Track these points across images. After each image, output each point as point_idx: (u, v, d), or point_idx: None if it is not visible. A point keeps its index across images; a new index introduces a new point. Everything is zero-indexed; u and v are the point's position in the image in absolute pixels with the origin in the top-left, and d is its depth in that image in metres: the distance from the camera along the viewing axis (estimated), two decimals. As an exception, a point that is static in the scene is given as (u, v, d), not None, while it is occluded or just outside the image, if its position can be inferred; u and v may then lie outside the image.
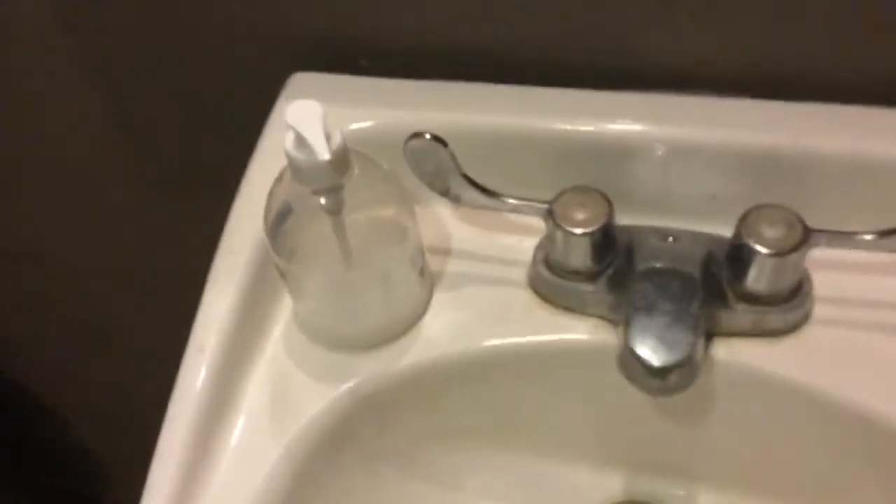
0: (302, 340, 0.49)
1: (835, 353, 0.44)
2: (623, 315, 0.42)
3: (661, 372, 0.37)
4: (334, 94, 0.50)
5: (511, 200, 0.44)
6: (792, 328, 0.45)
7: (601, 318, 0.47)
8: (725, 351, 0.44)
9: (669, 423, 0.50)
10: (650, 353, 0.37)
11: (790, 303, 0.44)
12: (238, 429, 0.46)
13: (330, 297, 0.47)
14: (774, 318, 0.44)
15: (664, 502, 0.54)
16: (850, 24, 0.46)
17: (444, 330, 0.48)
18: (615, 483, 0.55)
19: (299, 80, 0.54)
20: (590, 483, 0.55)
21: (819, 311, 0.46)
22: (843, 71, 0.47)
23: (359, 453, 0.49)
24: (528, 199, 0.44)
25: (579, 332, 0.47)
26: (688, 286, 0.42)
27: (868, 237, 0.41)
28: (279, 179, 0.42)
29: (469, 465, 0.54)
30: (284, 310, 0.50)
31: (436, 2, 0.50)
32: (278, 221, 0.42)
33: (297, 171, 0.39)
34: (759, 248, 0.41)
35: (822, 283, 0.45)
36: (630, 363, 0.38)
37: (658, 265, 0.43)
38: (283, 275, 0.46)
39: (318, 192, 0.40)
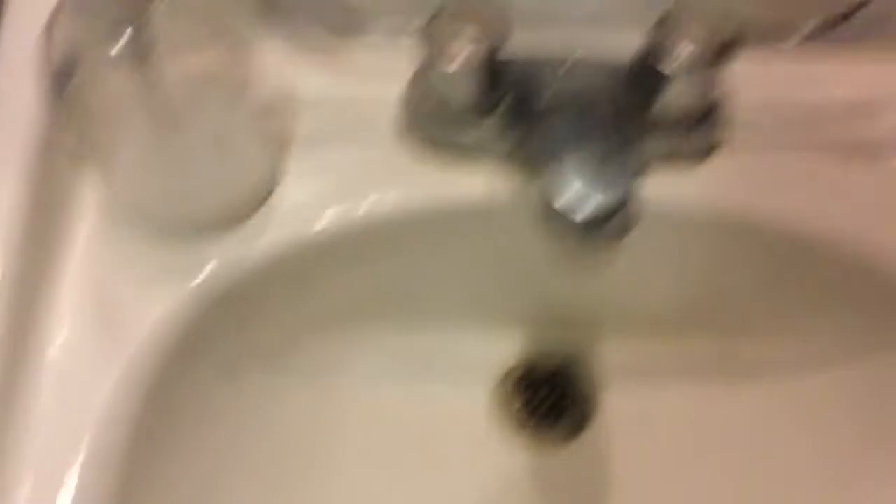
0: (123, 231, 0.38)
1: (758, 174, 0.39)
2: (526, 160, 0.34)
3: (595, 224, 0.30)
4: None
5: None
6: (710, 152, 0.39)
7: (496, 167, 0.39)
8: (651, 177, 0.38)
9: (574, 276, 0.44)
10: (577, 202, 0.30)
11: (705, 125, 0.38)
12: (59, 355, 0.37)
13: (150, 171, 0.37)
14: (692, 142, 0.38)
15: (570, 360, 0.50)
16: None
17: (304, 201, 0.39)
18: (515, 348, 0.50)
19: None
20: (487, 351, 0.49)
21: (740, 132, 0.40)
22: None
23: (217, 360, 0.41)
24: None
25: (471, 186, 0.39)
26: (598, 119, 0.34)
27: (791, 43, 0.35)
28: (56, 15, 0.30)
29: (351, 354, 0.47)
30: (93, 194, 0.39)
31: None
32: (63, 76, 0.31)
33: None
34: (669, 66, 0.34)
35: (744, 99, 0.39)
36: (551, 219, 0.31)
37: (558, 98, 0.36)
38: (82, 148, 0.35)
39: (113, 30, 0.29)
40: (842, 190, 0.39)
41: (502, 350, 0.50)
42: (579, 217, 0.30)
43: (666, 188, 0.38)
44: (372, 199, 0.39)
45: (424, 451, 0.47)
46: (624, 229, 0.32)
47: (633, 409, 0.48)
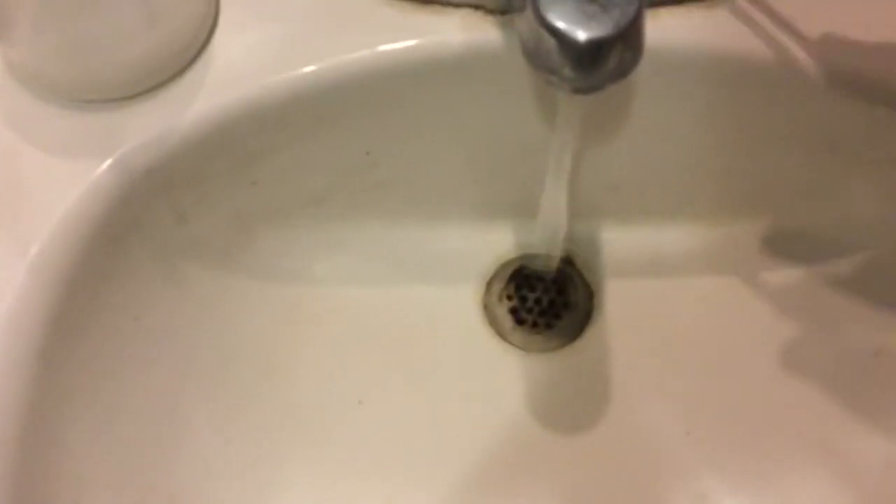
0: (26, 98, 0.31)
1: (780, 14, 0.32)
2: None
3: (598, 48, 0.23)
4: None
5: None
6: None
7: (474, 7, 0.32)
8: (651, 24, 0.31)
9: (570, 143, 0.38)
10: (580, 20, 0.23)
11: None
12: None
13: (54, 23, 0.29)
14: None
15: (568, 254, 0.43)
16: None
17: (247, 55, 0.32)
18: (503, 240, 0.43)
19: None
20: (473, 245, 0.43)
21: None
22: None
23: (153, 256, 0.34)
24: None
25: (446, 30, 0.32)
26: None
27: None
28: None
29: (315, 250, 0.40)
30: (-15, 57, 0.32)
31: None
32: None
33: None
34: None
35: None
36: (545, 47, 0.24)
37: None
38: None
39: None
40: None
41: (491, 244, 0.43)
42: (583, 36, 0.23)
43: (673, 31, 0.31)
44: (328, 50, 0.32)
45: (403, 360, 0.41)
46: (632, 61, 0.25)
47: (636, 308, 0.42)
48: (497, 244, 0.43)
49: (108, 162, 0.30)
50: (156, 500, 0.34)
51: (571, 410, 0.42)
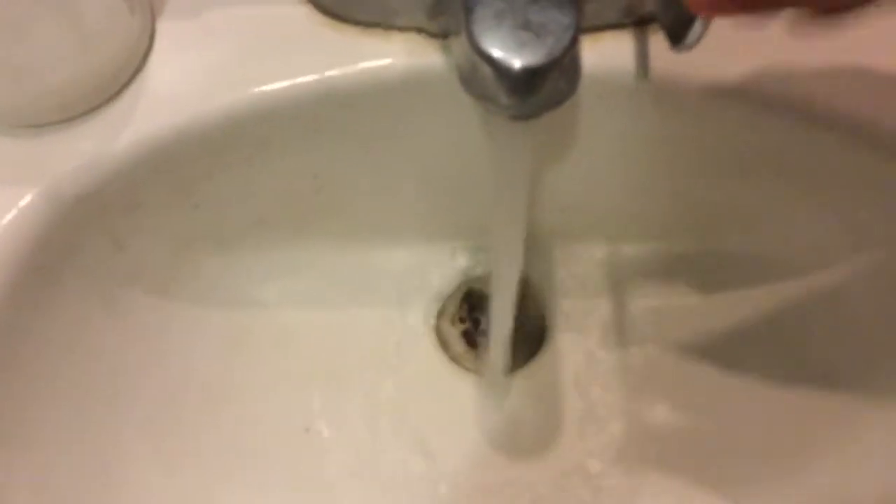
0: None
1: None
2: (449, 19, 0.27)
3: (532, 76, 0.23)
4: None
5: None
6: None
7: (417, 30, 0.31)
8: (592, 50, 0.30)
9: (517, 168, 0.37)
10: (514, 47, 0.23)
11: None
12: None
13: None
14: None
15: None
16: None
17: (184, 78, 0.31)
18: (455, 262, 0.43)
19: None
20: (424, 269, 0.42)
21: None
22: None
23: (90, 286, 0.33)
24: None
25: (389, 55, 0.31)
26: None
27: None
28: None
29: (260, 272, 0.40)
30: None
31: None
32: None
33: None
34: None
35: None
36: (480, 74, 0.23)
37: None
38: None
39: None
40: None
41: (443, 266, 0.43)
42: (517, 64, 0.23)
43: (627, 53, 0.30)
44: (269, 74, 0.31)
45: (352, 385, 0.41)
46: (571, 85, 0.25)
47: (590, 329, 0.42)
48: (448, 267, 0.43)
49: (37, 189, 0.29)
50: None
51: (526, 435, 0.41)
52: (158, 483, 0.35)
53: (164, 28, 0.31)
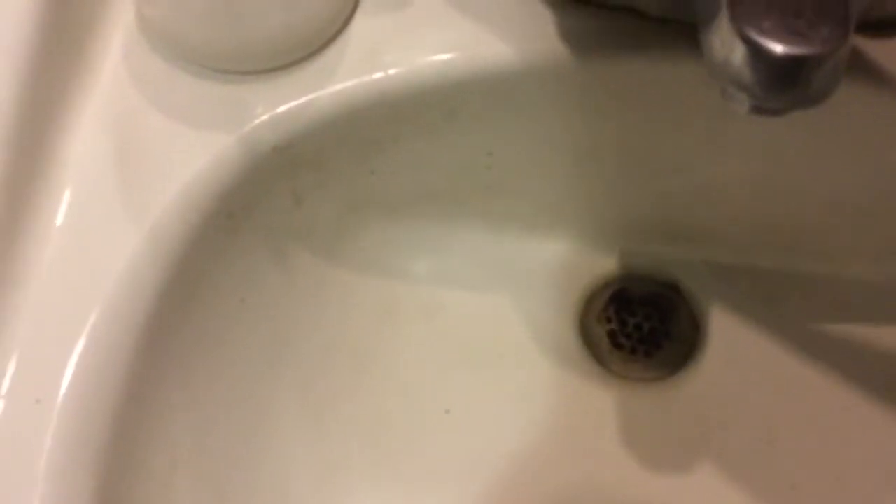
0: (156, 61, 0.30)
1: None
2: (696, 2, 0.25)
3: (796, 66, 0.21)
4: None
5: None
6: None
7: (628, 9, 0.30)
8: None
9: (707, 167, 0.35)
10: (784, 34, 0.21)
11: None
12: (69, 215, 0.29)
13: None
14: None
15: (677, 280, 0.41)
16: None
17: (390, 39, 0.30)
18: (608, 259, 0.41)
19: None
20: (574, 260, 0.41)
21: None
22: None
23: (266, 237, 0.32)
24: None
25: (609, 37, 0.30)
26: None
27: None
28: None
29: (417, 245, 0.39)
30: (122, 14, 0.31)
31: None
32: None
33: None
34: None
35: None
36: (734, 60, 0.22)
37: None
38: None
39: None
40: None
41: (596, 262, 0.41)
42: (779, 51, 0.21)
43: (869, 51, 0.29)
44: (466, 42, 0.30)
45: (494, 372, 0.40)
46: (825, 90, 0.23)
47: (745, 346, 0.40)
48: (601, 263, 0.42)
49: (237, 135, 0.29)
50: (236, 491, 0.33)
51: (665, 448, 0.39)
52: (301, 448, 0.35)
53: (372, -14, 0.31)
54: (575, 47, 0.30)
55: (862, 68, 0.28)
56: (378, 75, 0.30)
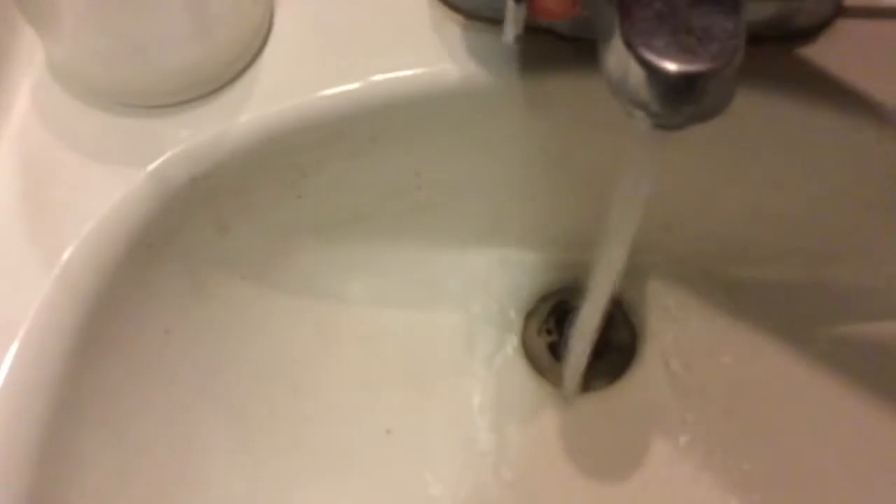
0: (66, 99, 0.30)
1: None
2: (596, 21, 0.25)
3: (690, 82, 0.21)
4: None
5: None
6: (822, 23, 0.30)
7: (545, 31, 0.30)
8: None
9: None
10: (675, 52, 0.21)
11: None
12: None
13: (104, 25, 0.28)
14: (803, 7, 0.29)
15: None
16: None
17: (300, 66, 0.30)
18: (546, 272, 0.41)
19: None
20: (511, 274, 0.41)
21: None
22: None
23: (186, 268, 0.32)
24: None
25: (516, 55, 0.30)
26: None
27: None
28: None
29: (350, 267, 0.39)
30: (31, 54, 0.30)
31: None
32: None
33: None
34: None
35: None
36: (631, 78, 0.22)
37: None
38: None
39: None
40: None
41: (534, 275, 0.42)
42: (672, 69, 0.21)
43: (773, 63, 0.29)
44: (384, 66, 0.30)
45: (435, 389, 0.40)
46: (721, 103, 0.23)
47: (682, 354, 0.40)
48: (540, 277, 0.42)
49: (150, 167, 0.29)
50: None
51: (606, 455, 0.40)
52: (237, 478, 0.35)
53: (282, 14, 0.31)
54: (489, 67, 0.30)
55: (761, 76, 0.29)
56: (291, 103, 0.30)
